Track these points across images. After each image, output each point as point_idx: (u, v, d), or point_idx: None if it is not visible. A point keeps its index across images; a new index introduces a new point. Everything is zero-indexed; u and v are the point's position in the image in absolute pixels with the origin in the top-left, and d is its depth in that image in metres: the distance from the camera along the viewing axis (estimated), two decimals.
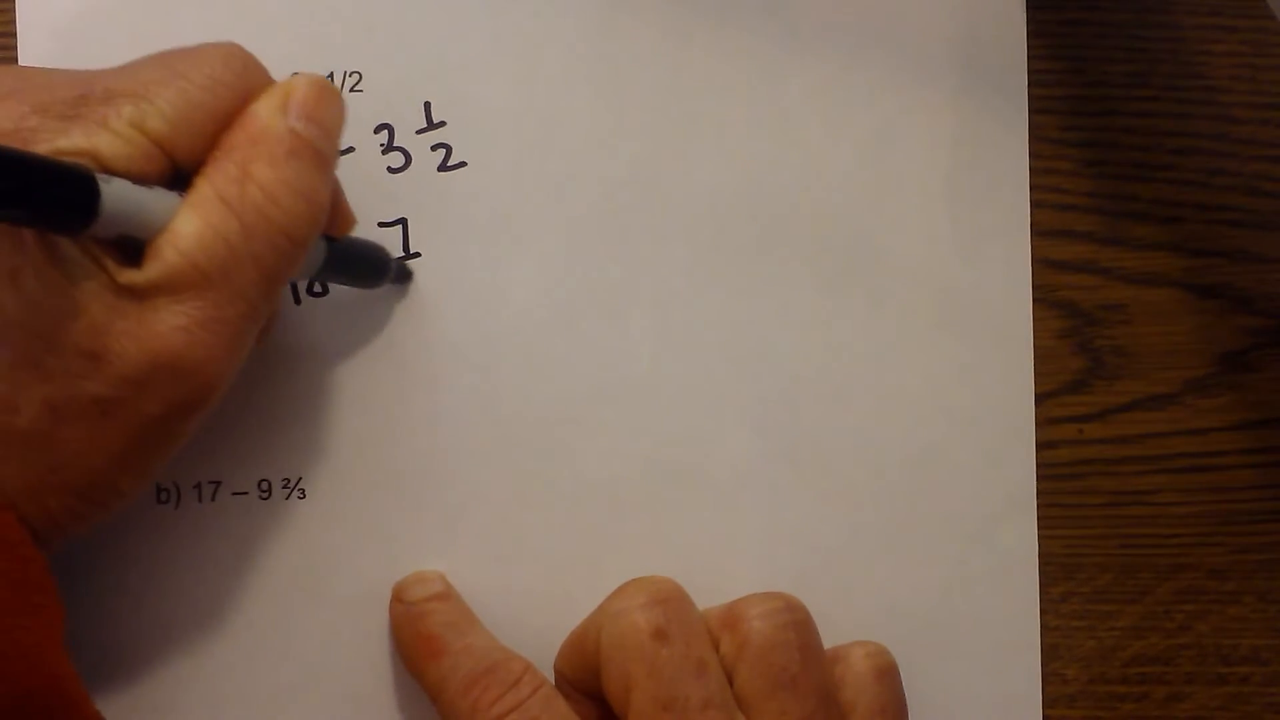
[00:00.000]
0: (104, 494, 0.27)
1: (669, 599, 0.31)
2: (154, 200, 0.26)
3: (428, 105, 0.35)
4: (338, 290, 0.34)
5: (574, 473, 0.35)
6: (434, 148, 0.35)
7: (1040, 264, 0.36)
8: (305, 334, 0.34)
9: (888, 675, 0.32)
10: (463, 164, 0.35)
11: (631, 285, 0.35)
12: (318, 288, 0.34)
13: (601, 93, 0.35)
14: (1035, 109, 0.36)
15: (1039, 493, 0.36)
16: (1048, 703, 0.36)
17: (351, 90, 0.35)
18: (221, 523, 0.34)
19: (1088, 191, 0.37)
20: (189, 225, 0.26)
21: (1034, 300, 0.36)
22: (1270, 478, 0.37)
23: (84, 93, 0.26)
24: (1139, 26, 0.37)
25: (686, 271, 0.35)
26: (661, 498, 0.35)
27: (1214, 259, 0.37)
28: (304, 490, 0.34)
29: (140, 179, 0.26)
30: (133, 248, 0.26)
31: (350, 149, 0.34)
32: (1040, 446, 0.36)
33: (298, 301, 0.34)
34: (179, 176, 0.27)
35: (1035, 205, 0.36)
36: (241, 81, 0.28)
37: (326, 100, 0.29)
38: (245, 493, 0.34)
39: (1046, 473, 0.36)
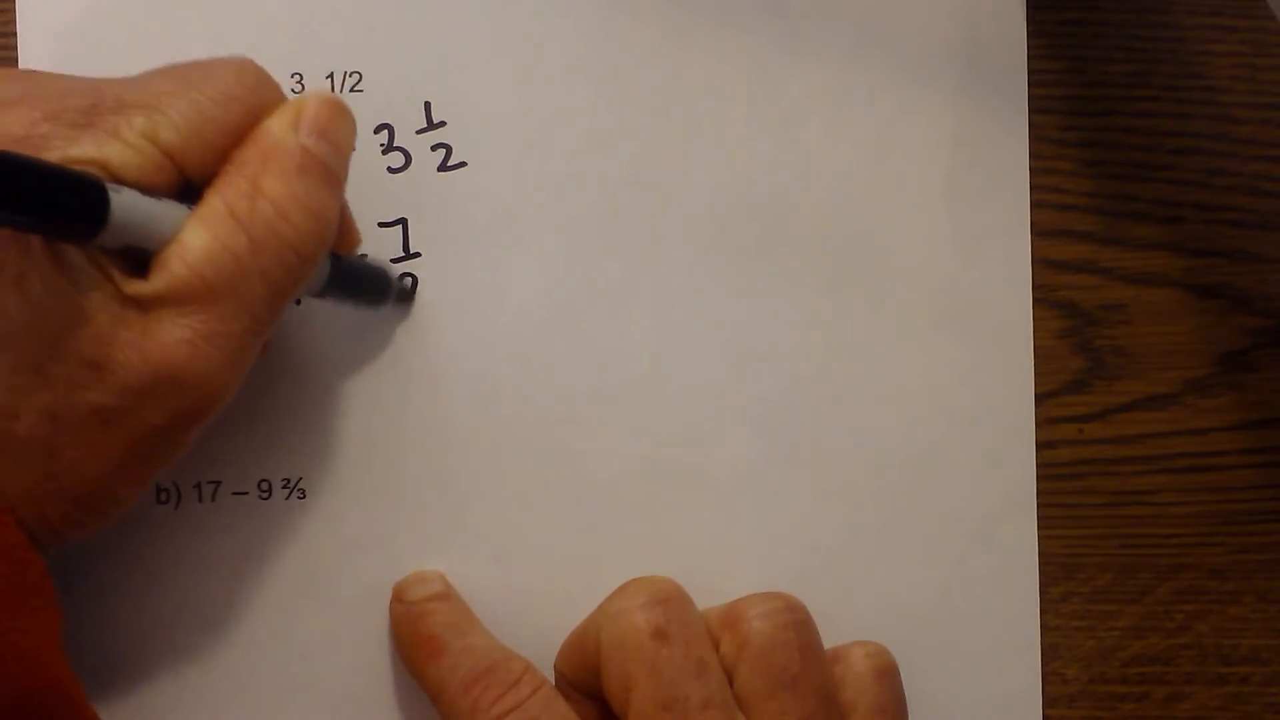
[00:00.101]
0: (102, 502, 0.27)
1: (669, 599, 0.31)
2: (163, 212, 0.26)
3: (428, 105, 0.35)
4: None
5: (574, 473, 0.35)
6: (434, 148, 0.35)
7: (1040, 264, 0.36)
8: (305, 334, 0.34)
9: (888, 675, 0.32)
10: (463, 164, 0.35)
11: (631, 285, 0.35)
12: None
13: (601, 93, 0.35)
14: (1035, 109, 0.36)
15: (1039, 493, 0.36)
16: (1048, 703, 0.36)
17: (351, 90, 0.35)
18: (221, 523, 0.34)
19: (1088, 191, 0.37)
20: (197, 238, 0.26)
21: (1034, 300, 0.36)
22: (1270, 478, 0.37)
23: (96, 102, 0.26)
24: (1139, 26, 0.37)
25: (686, 271, 0.35)
26: (661, 498, 0.35)
27: (1214, 259, 0.37)
28: (304, 490, 0.34)
29: (150, 190, 0.26)
30: (139, 259, 0.26)
31: None
32: (1040, 446, 0.36)
33: (298, 302, 0.34)
34: (188, 189, 0.27)
35: (1035, 205, 0.36)
36: (254, 96, 0.28)
37: (338, 118, 0.29)
38: (245, 493, 0.34)
39: (1046, 473, 0.36)
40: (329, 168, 0.28)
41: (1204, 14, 0.37)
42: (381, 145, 0.35)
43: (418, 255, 0.35)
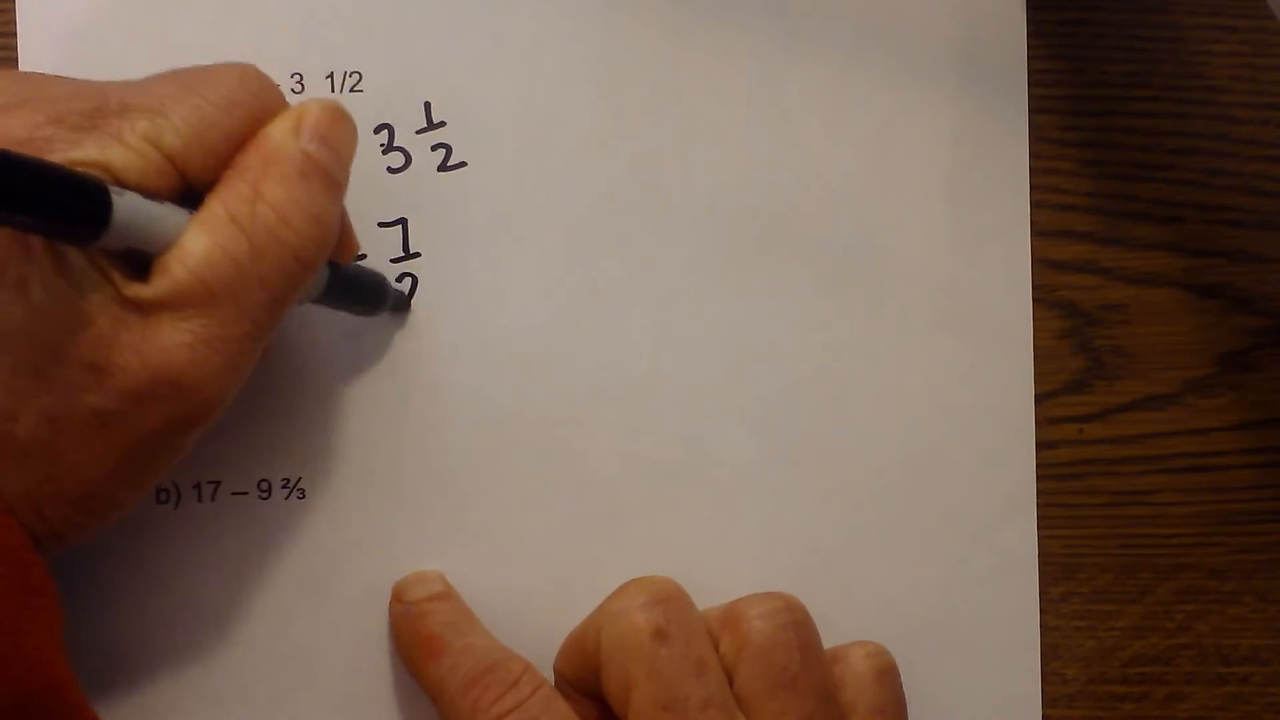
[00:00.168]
0: (102, 505, 0.27)
1: (669, 599, 0.31)
2: (164, 215, 0.26)
3: (428, 105, 0.35)
4: None
5: (574, 473, 0.35)
6: (434, 148, 0.35)
7: (1040, 264, 0.36)
8: (306, 334, 0.34)
9: (887, 675, 0.32)
10: (463, 164, 0.35)
11: (631, 285, 0.35)
12: None
13: (601, 93, 0.35)
14: (1035, 109, 0.36)
15: (1039, 493, 0.36)
16: (1048, 703, 0.36)
17: (351, 90, 0.35)
18: (221, 523, 0.34)
19: (1088, 191, 0.37)
20: (198, 243, 0.26)
21: (1034, 300, 0.36)
22: (1270, 478, 0.37)
23: (99, 105, 0.26)
24: (1139, 26, 0.37)
25: (686, 271, 0.35)
26: (661, 498, 0.35)
27: (1214, 259, 0.37)
28: (304, 490, 0.34)
29: (151, 194, 0.26)
30: (140, 262, 0.26)
31: None
32: (1040, 446, 0.36)
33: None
34: (190, 194, 0.27)
35: (1035, 205, 0.36)
36: (256, 102, 0.28)
37: (340, 124, 0.29)
38: (245, 493, 0.34)
39: (1046, 473, 0.36)
40: (330, 173, 0.28)
41: (1204, 14, 0.37)
42: (381, 145, 0.35)
43: (417, 255, 0.35)
